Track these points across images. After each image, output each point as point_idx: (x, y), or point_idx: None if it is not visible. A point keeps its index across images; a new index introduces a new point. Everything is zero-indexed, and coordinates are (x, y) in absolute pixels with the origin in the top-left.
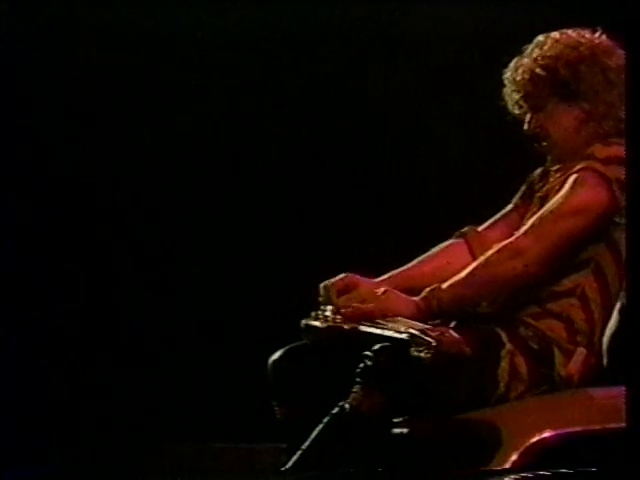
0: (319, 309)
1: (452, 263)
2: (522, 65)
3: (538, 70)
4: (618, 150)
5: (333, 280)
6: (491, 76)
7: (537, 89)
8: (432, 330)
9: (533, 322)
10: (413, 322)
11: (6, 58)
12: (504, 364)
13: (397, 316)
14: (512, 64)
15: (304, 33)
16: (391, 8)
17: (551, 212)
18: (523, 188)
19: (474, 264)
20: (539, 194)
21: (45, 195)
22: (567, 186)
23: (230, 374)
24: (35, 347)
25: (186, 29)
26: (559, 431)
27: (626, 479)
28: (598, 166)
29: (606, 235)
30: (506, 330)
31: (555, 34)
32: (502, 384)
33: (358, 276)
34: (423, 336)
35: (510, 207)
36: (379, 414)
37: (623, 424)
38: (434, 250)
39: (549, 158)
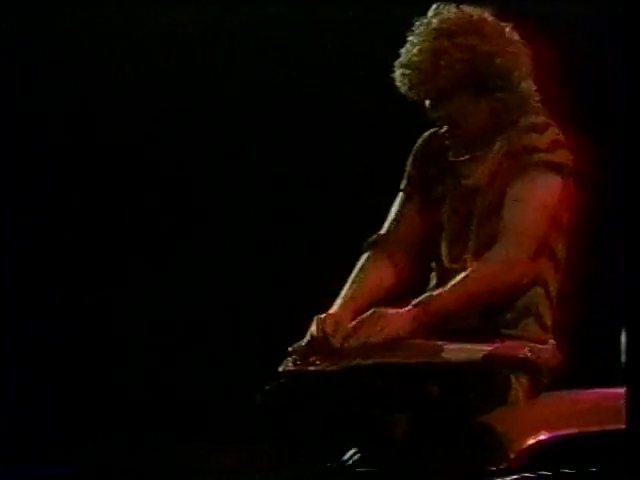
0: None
1: (384, 279)
2: (426, 50)
3: (448, 60)
4: (555, 134)
5: (322, 327)
6: None
7: (447, 79)
8: (519, 347)
9: (512, 332)
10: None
11: (6, 58)
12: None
13: (398, 334)
14: (409, 46)
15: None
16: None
17: (521, 217)
18: (413, 173)
19: (468, 277)
20: (467, 182)
21: (46, 195)
22: (526, 186)
23: (230, 374)
24: (35, 349)
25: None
26: (556, 433)
27: None
28: (546, 156)
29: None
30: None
31: (456, 18)
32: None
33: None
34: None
35: (404, 196)
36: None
37: (621, 425)
38: (361, 269)
39: (449, 143)
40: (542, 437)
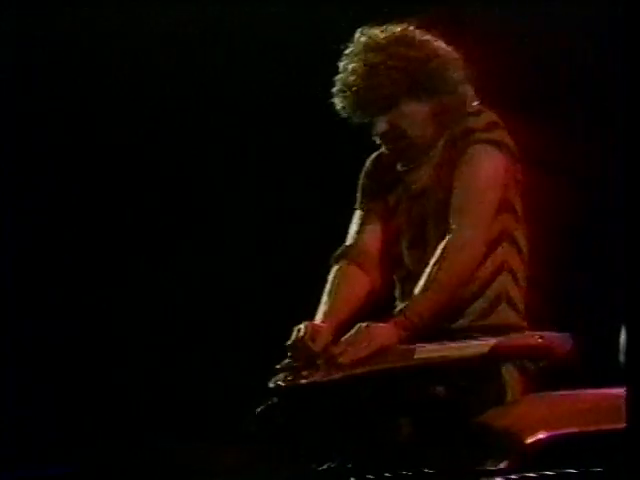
0: (290, 368)
1: (358, 287)
2: (360, 68)
3: (383, 71)
4: (489, 117)
5: (302, 334)
6: None
7: (385, 89)
8: (529, 336)
9: (486, 322)
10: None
11: (6, 58)
12: (504, 370)
13: (385, 344)
14: (342, 71)
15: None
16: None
17: (467, 197)
18: (365, 187)
19: (434, 272)
20: (415, 186)
21: (46, 195)
22: (466, 165)
23: (230, 374)
24: (35, 349)
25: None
26: (556, 432)
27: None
28: (485, 135)
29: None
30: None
31: (382, 34)
32: (509, 389)
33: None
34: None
35: (362, 211)
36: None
37: (621, 425)
38: (334, 280)
39: (396, 156)
40: (542, 437)
